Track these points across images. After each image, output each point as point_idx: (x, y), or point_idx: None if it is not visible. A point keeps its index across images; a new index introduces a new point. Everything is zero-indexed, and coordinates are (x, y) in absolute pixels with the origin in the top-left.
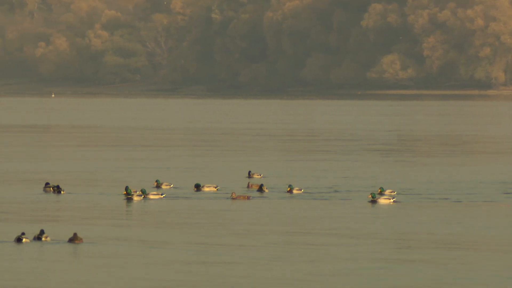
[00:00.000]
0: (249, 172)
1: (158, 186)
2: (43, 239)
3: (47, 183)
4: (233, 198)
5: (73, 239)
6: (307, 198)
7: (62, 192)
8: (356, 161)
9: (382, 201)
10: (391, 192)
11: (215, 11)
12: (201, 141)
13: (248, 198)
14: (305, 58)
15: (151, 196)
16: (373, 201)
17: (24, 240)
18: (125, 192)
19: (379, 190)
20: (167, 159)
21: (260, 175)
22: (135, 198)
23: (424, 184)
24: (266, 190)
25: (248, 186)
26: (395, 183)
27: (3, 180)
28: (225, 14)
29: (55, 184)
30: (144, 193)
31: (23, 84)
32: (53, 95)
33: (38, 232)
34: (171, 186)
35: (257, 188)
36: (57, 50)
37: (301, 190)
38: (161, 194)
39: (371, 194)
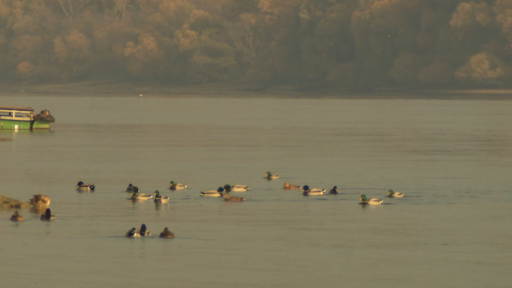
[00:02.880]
0: (268, 173)
1: (173, 187)
2: (145, 234)
3: (80, 182)
4: (226, 200)
5: (165, 234)
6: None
7: (138, 191)
8: (438, 161)
9: (372, 203)
10: (399, 194)
11: (303, 11)
12: (288, 141)
13: (241, 199)
14: (393, 58)
15: (140, 198)
16: (364, 203)
17: (135, 235)
18: (132, 194)
19: (389, 193)
20: (251, 159)
21: (277, 175)
22: (163, 200)
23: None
24: (338, 192)
25: (285, 187)
26: (477, 184)
27: (89, 179)
28: (313, 14)
29: (134, 185)
30: (135, 194)
31: (112, 83)
32: (141, 95)
33: (139, 227)
34: (185, 187)
35: (294, 189)
36: (145, 49)
37: (321, 191)
38: (149, 196)
39: (361, 196)
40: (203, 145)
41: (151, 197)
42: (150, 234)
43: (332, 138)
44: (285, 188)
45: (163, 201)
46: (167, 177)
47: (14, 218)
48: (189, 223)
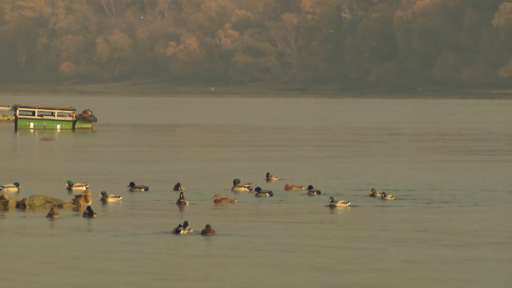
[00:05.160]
0: (268, 174)
1: (176, 188)
2: (186, 230)
3: (70, 182)
4: (217, 201)
5: (206, 231)
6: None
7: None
8: (480, 162)
9: (340, 205)
10: (391, 197)
11: (345, 10)
12: (328, 141)
13: (231, 201)
14: (435, 57)
15: (110, 200)
16: (332, 206)
17: (182, 232)
18: (100, 195)
19: (381, 195)
20: (292, 160)
21: (277, 177)
22: (110, 199)
23: None
24: (379, 195)
25: (286, 188)
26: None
27: (130, 179)
28: (355, 13)
29: (140, 185)
30: (104, 195)
31: (154, 83)
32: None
33: (182, 224)
34: (184, 188)
35: (296, 189)
36: (187, 49)
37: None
38: (119, 197)
39: (330, 198)
40: (244, 145)
41: (120, 198)
42: (192, 230)
43: (373, 139)
44: (287, 188)
45: (188, 202)
46: (196, 177)
47: (50, 215)
48: (224, 221)
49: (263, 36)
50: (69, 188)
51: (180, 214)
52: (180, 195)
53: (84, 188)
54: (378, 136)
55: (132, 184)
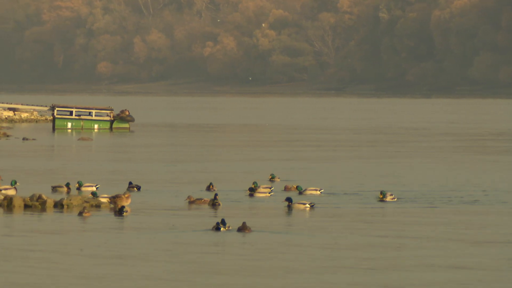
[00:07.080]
0: (272, 175)
1: (209, 189)
2: (225, 228)
3: (79, 183)
4: (191, 202)
5: (242, 228)
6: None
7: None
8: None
9: (297, 206)
10: (393, 198)
11: (383, 10)
12: (366, 142)
13: (205, 202)
14: (473, 57)
15: (103, 200)
16: (289, 206)
17: (222, 229)
18: (91, 195)
19: (381, 196)
20: (329, 160)
21: (279, 178)
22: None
23: None
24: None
25: (285, 189)
26: None
27: (170, 180)
28: (392, 13)
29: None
30: (94, 195)
31: (191, 83)
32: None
33: (220, 221)
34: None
35: (295, 190)
36: (225, 49)
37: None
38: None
39: (286, 199)
40: (280, 146)
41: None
42: (230, 227)
43: (409, 139)
44: (286, 189)
45: (221, 203)
46: (229, 177)
47: (81, 213)
48: (259, 218)
49: (300, 36)
50: (79, 189)
51: (214, 213)
52: (214, 196)
53: (94, 188)
54: (415, 136)
55: (130, 184)
